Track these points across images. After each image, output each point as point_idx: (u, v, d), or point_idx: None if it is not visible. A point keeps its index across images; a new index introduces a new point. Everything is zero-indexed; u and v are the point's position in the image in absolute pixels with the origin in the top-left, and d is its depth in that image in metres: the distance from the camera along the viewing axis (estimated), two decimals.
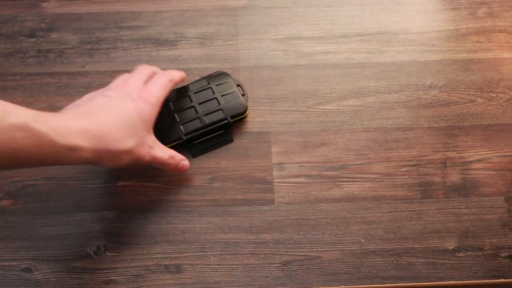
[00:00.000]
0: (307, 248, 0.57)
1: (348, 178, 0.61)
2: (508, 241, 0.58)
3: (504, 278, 0.56)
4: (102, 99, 0.53)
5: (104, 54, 0.69)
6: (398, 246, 0.58)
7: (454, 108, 0.66)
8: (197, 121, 0.61)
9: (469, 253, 0.57)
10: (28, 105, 0.64)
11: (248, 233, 0.58)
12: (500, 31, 0.71)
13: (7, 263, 0.56)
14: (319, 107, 0.66)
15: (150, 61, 0.68)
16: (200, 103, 0.62)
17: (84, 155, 0.48)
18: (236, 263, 0.57)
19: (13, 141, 0.43)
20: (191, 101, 0.62)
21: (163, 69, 0.67)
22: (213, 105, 0.62)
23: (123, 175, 0.61)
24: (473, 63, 0.69)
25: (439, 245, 0.58)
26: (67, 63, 0.68)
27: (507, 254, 0.57)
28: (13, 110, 0.45)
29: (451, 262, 0.57)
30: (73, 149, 0.47)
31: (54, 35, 0.70)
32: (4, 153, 0.43)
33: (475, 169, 0.62)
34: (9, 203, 0.59)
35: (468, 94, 0.67)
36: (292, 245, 0.58)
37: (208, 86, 0.63)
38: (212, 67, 0.68)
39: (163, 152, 0.56)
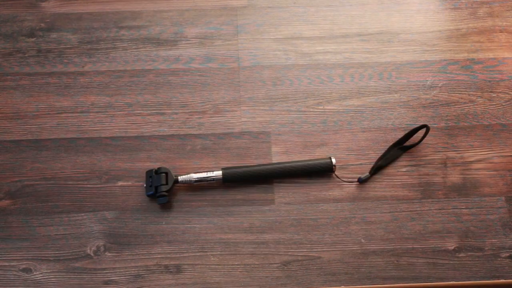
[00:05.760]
0: (307, 248, 0.57)
1: (348, 178, 0.61)
2: (509, 242, 0.58)
3: (505, 279, 0.56)
4: None
5: (103, 54, 0.69)
6: (398, 247, 0.57)
7: (454, 108, 0.66)
8: None
9: (469, 253, 0.57)
10: (27, 104, 0.65)
11: (248, 233, 0.58)
12: (501, 31, 0.71)
13: (6, 263, 0.56)
14: (319, 107, 0.66)
15: (150, 61, 0.68)
16: None
17: None
18: (236, 263, 0.57)
19: None
20: None
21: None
22: None
23: (123, 176, 0.61)
24: (474, 63, 0.69)
25: (439, 246, 0.58)
26: (67, 63, 0.68)
27: (508, 254, 0.57)
28: None
29: (451, 262, 0.57)
30: None
31: (53, 35, 0.70)
32: None
33: (475, 169, 0.62)
34: (9, 203, 0.59)
35: (468, 94, 0.67)
36: (292, 245, 0.57)
37: None
38: (212, 67, 0.68)
39: None
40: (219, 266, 0.56)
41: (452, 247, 0.57)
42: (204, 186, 0.61)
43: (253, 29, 0.71)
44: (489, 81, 0.68)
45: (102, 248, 0.57)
